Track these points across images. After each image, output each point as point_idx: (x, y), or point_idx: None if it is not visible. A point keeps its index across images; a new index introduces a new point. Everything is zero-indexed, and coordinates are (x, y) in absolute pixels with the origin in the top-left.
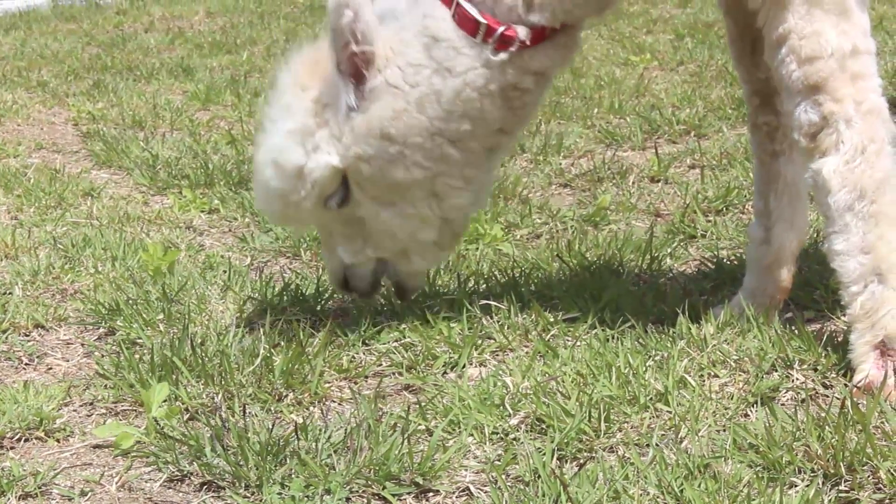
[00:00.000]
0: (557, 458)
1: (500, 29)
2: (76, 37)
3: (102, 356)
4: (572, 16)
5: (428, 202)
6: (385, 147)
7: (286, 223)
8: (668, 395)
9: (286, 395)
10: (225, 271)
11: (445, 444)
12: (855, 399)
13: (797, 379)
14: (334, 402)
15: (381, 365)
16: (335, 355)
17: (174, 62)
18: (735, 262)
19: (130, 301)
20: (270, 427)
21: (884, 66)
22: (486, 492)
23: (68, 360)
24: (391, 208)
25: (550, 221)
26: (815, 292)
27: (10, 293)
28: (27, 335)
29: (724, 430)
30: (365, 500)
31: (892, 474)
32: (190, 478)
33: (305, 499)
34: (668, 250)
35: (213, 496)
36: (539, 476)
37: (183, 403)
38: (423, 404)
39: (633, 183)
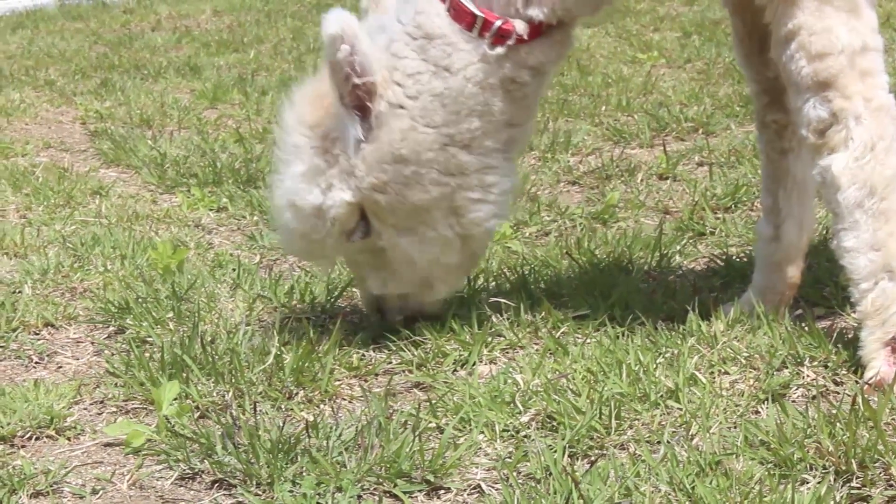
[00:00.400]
0: (568, 456)
1: (498, 23)
2: (83, 36)
3: (112, 354)
4: (570, 13)
5: (448, 222)
6: (399, 170)
7: (314, 261)
8: (678, 392)
9: (297, 393)
10: (234, 269)
11: (456, 441)
12: (866, 396)
13: (808, 376)
14: (345, 399)
15: (391, 363)
16: (345, 353)
17: (181, 61)
18: (744, 259)
19: (140, 299)
20: (281, 425)
21: (892, 63)
22: (497, 489)
23: (78, 359)
24: (411, 235)
25: (559, 219)
26: (825, 289)
27: (19, 292)
28: (37, 334)
29: (735, 427)
30: (376, 498)
31: None
32: (201, 476)
33: (317, 496)
34: (678, 247)
35: (224, 494)
36: (550, 473)
37: (193, 401)
38: (433, 402)
39: (642, 180)
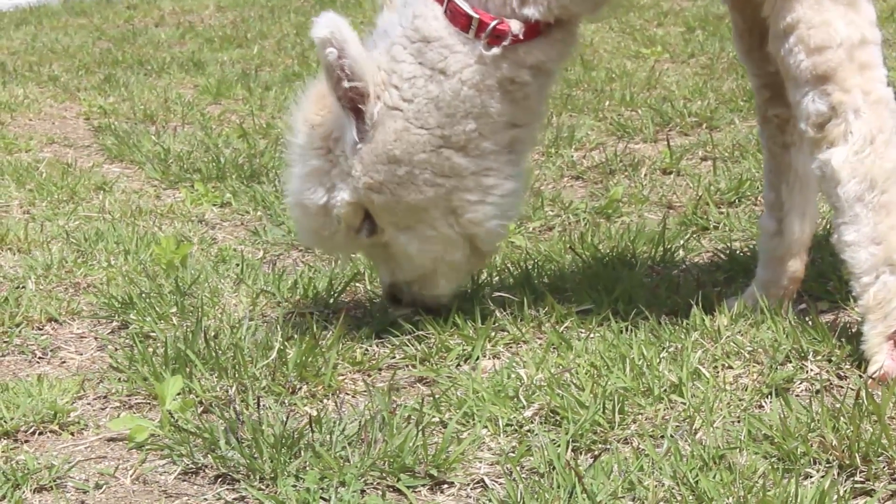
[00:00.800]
0: (572, 450)
1: (493, 23)
2: (87, 31)
3: (116, 349)
4: (567, 11)
5: (447, 220)
6: (393, 171)
7: (332, 254)
8: (682, 386)
9: (300, 388)
10: (237, 264)
11: (460, 436)
12: (870, 390)
13: (811, 370)
14: (348, 394)
15: (394, 357)
16: (349, 348)
17: (185, 56)
18: (748, 254)
19: (143, 294)
20: (284, 420)
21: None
22: (500, 483)
23: (82, 354)
24: (411, 233)
25: (563, 214)
26: (829, 283)
27: (23, 287)
28: (41, 329)
29: (739, 422)
30: (380, 493)
31: None
32: (204, 470)
33: (320, 491)
34: (681, 242)
35: (227, 489)
36: (554, 468)
37: (197, 396)
38: (436, 396)
39: (646, 175)
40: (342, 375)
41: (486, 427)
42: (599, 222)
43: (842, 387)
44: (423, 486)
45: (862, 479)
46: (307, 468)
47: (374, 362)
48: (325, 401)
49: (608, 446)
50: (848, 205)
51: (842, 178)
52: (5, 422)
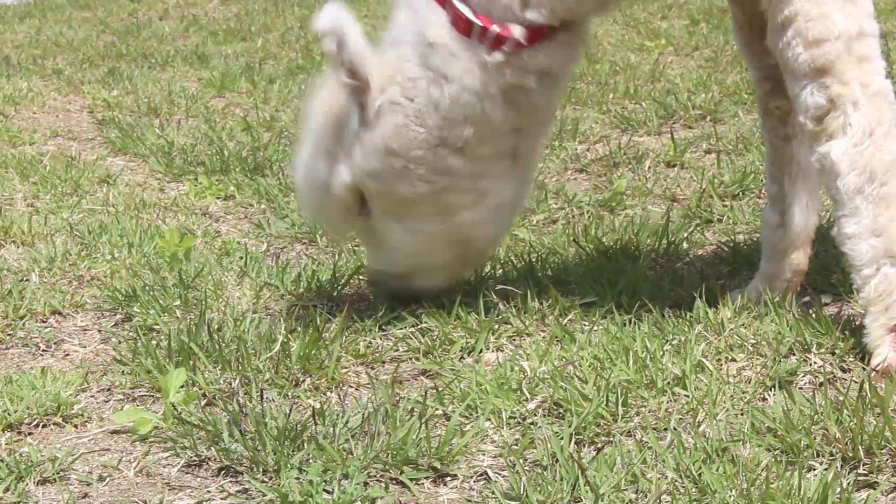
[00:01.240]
0: (575, 443)
1: (494, 28)
2: (91, 25)
3: (119, 342)
4: (573, 13)
5: (435, 219)
6: (390, 162)
7: (332, 231)
8: (685, 379)
9: (303, 381)
10: (241, 257)
11: (463, 428)
12: (873, 382)
13: (815, 362)
14: (351, 387)
15: (397, 350)
16: (352, 341)
17: (189, 49)
18: (751, 247)
19: (147, 287)
20: (288, 412)
21: None
22: (503, 476)
23: (85, 347)
24: (399, 223)
25: (566, 206)
26: (833, 276)
27: (27, 280)
28: (44, 322)
29: (742, 414)
30: (383, 485)
31: None
32: (208, 463)
33: (323, 483)
34: (685, 235)
35: (230, 481)
36: (557, 460)
37: (200, 389)
38: (440, 389)
39: (649, 168)
40: (345, 368)
41: (489, 420)
42: (603, 215)
43: (845, 379)
44: (426, 478)
45: (865, 472)
46: (310, 461)
47: (377, 355)
48: (328, 393)
49: (611, 439)
50: (848, 197)
51: (841, 170)
52: (9, 414)
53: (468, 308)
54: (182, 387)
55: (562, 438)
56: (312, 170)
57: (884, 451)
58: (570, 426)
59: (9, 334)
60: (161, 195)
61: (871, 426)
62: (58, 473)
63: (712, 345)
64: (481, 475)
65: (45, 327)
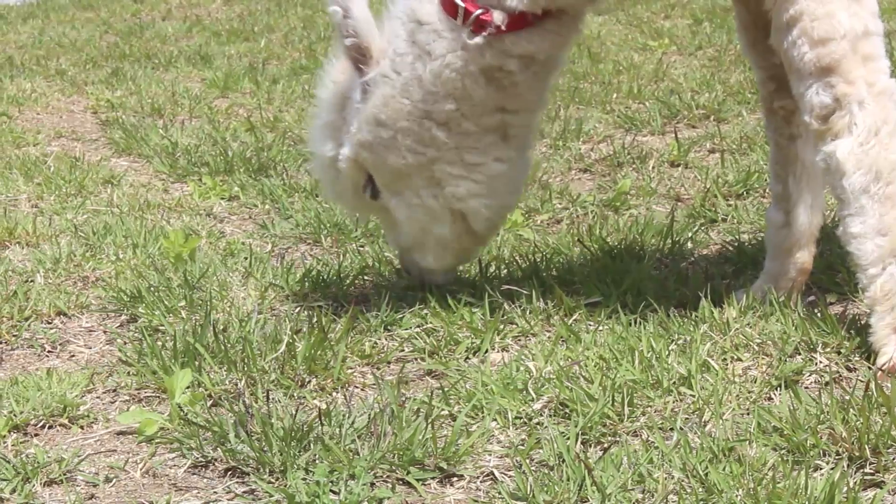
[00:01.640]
0: (581, 443)
1: (476, 12)
2: (94, 25)
3: (125, 343)
4: (555, 2)
5: (430, 191)
6: (379, 132)
7: (349, 211)
8: (691, 378)
9: (309, 381)
10: (246, 258)
11: (469, 428)
12: (879, 382)
13: (820, 362)
14: (357, 387)
15: (403, 350)
16: (357, 341)
17: (192, 50)
18: (756, 246)
19: (152, 288)
20: (294, 413)
21: None
22: (510, 476)
23: (91, 348)
24: (399, 197)
25: (571, 206)
26: (838, 275)
27: (32, 281)
28: (49, 323)
29: (748, 414)
30: (389, 486)
31: None
32: (214, 464)
33: (330, 484)
34: (690, 234)
35: (237, 482)
36: (563, 460)
37: (206, 390)
38: (445, 389)
39: (653, 167)
40: (351, 368)
41: (495, 420)
42: (607, 215)
43: (851, 379)
44: (432, 478)
45: (872, 471)
46: (317, 461)
47: (383, 355)
48: (334, 394)
49: (618, 439)
50: (853, 196)
51: (847, 169)
52: (15, 415)
53: (473, 308)
54: (188, 387)
55: (568, 438)
56: (318, 145)
57: (890, 450)
58: (576, 426)
59: (14, 335)
60: (165, 196)
61: (878, 425)
62: (64, 474)
63: (718, 344)
64: (488, 475)
65: (51, 328)
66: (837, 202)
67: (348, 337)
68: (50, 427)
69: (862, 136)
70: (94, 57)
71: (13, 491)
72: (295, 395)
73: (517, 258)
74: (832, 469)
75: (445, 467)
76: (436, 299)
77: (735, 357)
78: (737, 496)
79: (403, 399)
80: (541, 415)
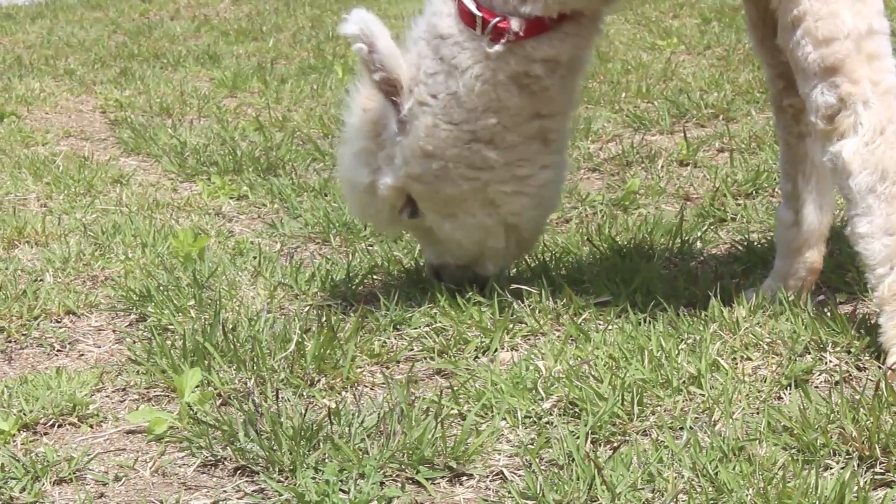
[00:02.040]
0: (591, 442)
1: (494, 20)
2: (102, 25)
3: (134, 342)
4: (569, 6)
5: (486, 211)
6: (429, 165)
7: (380, 230)
8: (700, 378)
9: (318, 380)
10: (255, 257)
11: (478, 428)
12: (889, 381)
13: (830, 361)
14: (366, 386)
15: (412, 349)
16: (367, 340)
17: (200, 49)
18: (766, 245)
19: (161, 287)
20: (303, 412)
21: None
22: (519, 475)
23: (100, 347)
24: (453, 220)
25: (580, 206)
26: (847, 274)
27: (41, 280)
28: (59, 322)
29: (758, 413)
30: (399, 485)
31: None
32: (223, 463)
33: (339, 483)
34: (699, 234)
35: (246, 481)
36: (573, 459)
37: (215, 389)
38: (455, 388)
39: (662, 167)
40: (360, 368)
41: (504, 419)
42: (617, 214)
43: (861, 378)
44: (442, 478)
45: (882, 471)
46: (326, 460)
47: (392, 354)
48: (343, 393)
49: (627, 438)
50: (860, 196)
51: (853, 169)
52: (25, 414)
53: (483, 307)
54: (197, 386)
55: (578, 438)
56: (355, 172)
57: None
58: (585, 425)
59: (23, 334)
60: (174, 195)
61: (888, 425)
62: (74, 473)
63: (727, 344)
64: (497, 475)
65: (60, 327)
66: (845, 202)
67: (357, 336)
68: (59, 426)
69: (867, 136)
70: (103, 56)
71: (23, 490)
72: (304, 394)
73: (526, 257)
74: (842, 469)
75: (455, 466)
76: (445, 298)
77: (745, 356)
78: (747, 496)
79: (413, 398)
80: (550, 414)
